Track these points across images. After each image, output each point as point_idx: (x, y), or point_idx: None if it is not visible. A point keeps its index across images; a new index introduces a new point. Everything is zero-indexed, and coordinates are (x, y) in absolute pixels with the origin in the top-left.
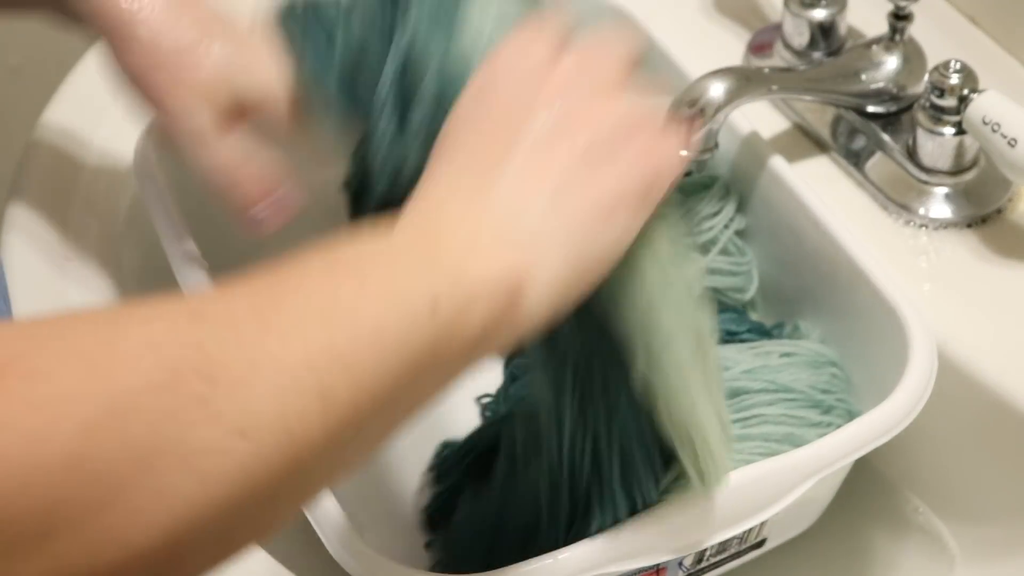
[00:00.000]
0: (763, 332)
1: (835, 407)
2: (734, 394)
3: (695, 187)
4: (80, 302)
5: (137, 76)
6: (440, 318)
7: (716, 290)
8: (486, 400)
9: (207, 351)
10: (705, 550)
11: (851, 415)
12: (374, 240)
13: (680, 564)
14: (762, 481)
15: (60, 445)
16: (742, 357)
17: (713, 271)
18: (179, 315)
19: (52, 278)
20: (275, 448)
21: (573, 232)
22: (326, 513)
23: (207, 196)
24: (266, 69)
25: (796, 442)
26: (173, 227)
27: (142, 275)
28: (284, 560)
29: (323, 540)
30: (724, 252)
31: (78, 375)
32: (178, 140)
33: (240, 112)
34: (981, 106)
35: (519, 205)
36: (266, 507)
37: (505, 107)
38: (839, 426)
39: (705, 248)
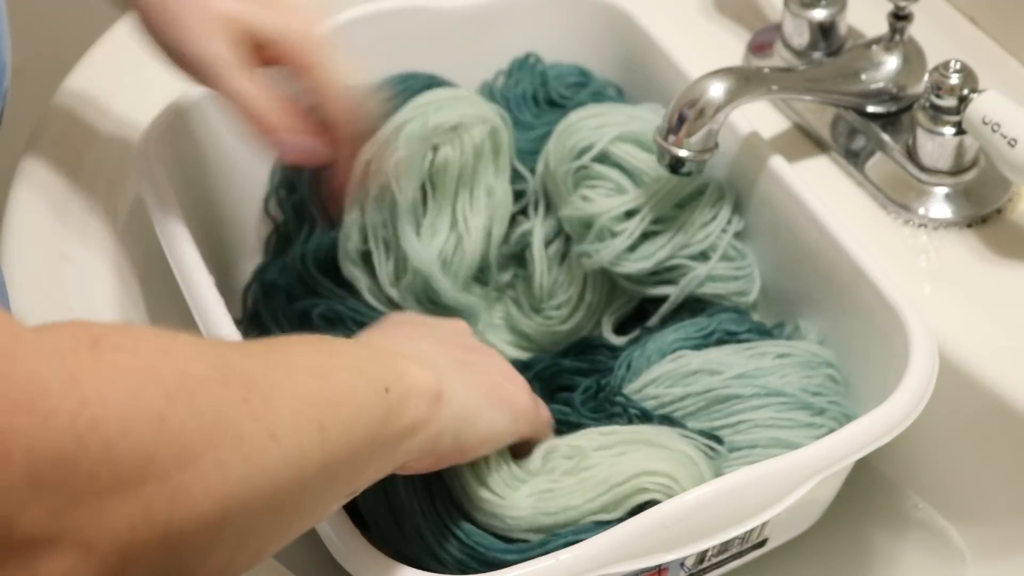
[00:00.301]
0: (763, 332)
1: (827, 409)
2: (723, 400)
3: (689, 196)
4: (80, 301)
5: (166, 32)
6: (390, 398)
7: (719, 296)
8: None
9: (240, 366)
10: (707, 550)
11: (846, 417)
12: (333, 338)
13: (682, 564)
14: (763, 482)
15: (150, 403)
16: (736, 360)
17: (715, 278)
18: (206, 339)
19: (52, 277)
20: (293, 459)
21: (471, 396)
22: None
23: (208, 195)
24: (282, 15)
25: (784, 445)
26: (173, 227)
27: (142, 275)
28: (284, 560)
29: (324, 539)
30: (725, 257)
31: (154, 354)
32: (204, 74)
33: (259, 51)
34: (981, 106)
35: (434, 359)
36: (274, 516)
37: (415, 324)
38: (831, 428)
39: (705, 256)
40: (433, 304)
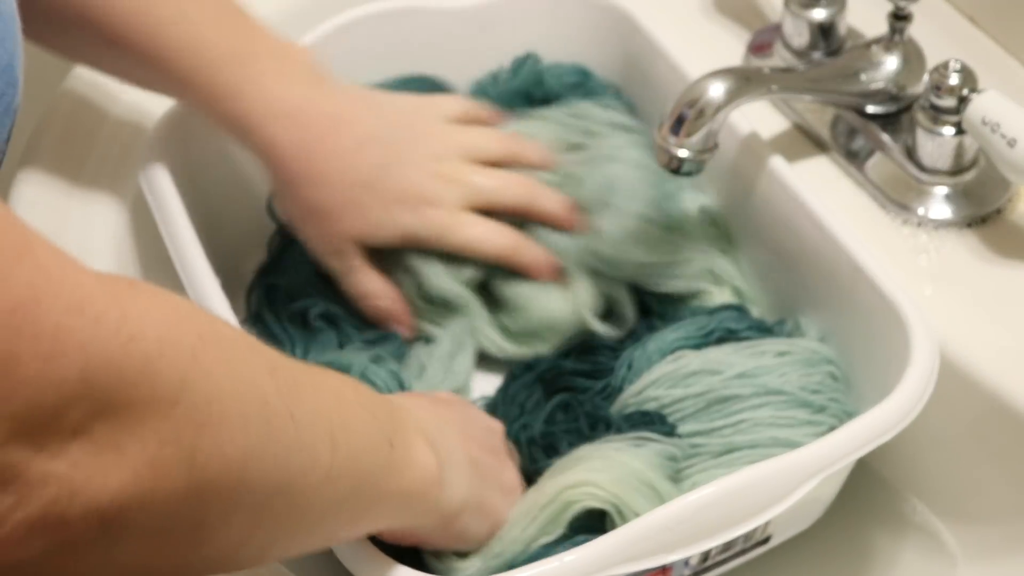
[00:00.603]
0: (763, 329)
1: (827, 407)
2: (723, 400)
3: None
4: None
5: (295, 218)
6: (393, 454)
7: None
8: (483, 403)
9: (268, 351)
10: (710, 549)
11: (847, 414)
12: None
13: (686, 563)
14: (765, 481)
15: (184, 337)
16: (736, 359)
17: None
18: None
19: None
20: (307, 447)
21: (467, 498)
22: None
23: (213, 195)
24: (387, 227)
25: (785, 444)
26: (177, 227)
27: (146, 276)
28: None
29: None
30: None
31: (188, 305)
32: (331, 271)
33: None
34: (981, 106)
35: (449, 449)
36: (287, 503)
37: (451, 408)
38: (832, 425)
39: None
40: (425, 301)
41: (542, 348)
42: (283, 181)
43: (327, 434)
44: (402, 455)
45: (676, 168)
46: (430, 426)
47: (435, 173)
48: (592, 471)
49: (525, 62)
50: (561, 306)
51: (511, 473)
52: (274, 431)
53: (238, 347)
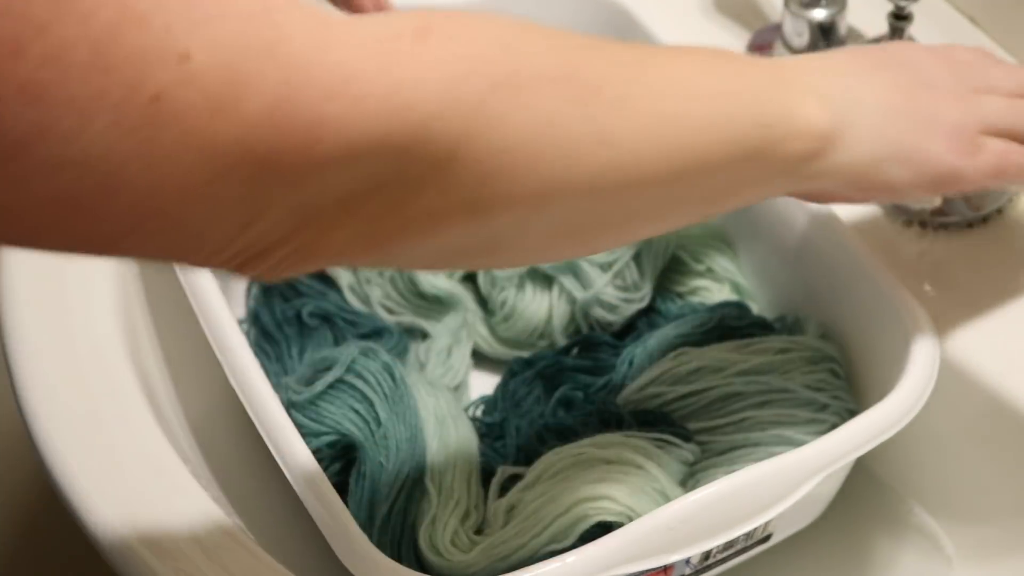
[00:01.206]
0: (764, 326)
1: (830, 404)
2: (726, 398)
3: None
4: (80, 302)
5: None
6: (770, 132)
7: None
8: (480, 407)
9: (591, 71)
10: (712, 548)
11: (849, 412)
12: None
13: (687, 562)
14: (767, 480)
15: (471, 90)
16: (738, 356)
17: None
18: (568, 38)
19: (52, 278)
20: (624, 166)
21: (875, 147)
22: (333, 514)
23: None
24: None
25: (788, 442)
26: None
27: (144, 276)
28: (285, 560)
29: (330, 542)
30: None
31: (490, 46)
32: None
33: None
34: None
35: (852, 98)
36: (601, 210)
37: (911, 59)
38: (834, 423)
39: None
40: (419, 298)
41: (535, 350)
42: None
43: (661, 147)
44: (785, 130)
45: None
46: (821, 79)
47: None
48: (609, 482)
49: None
50: (548, 315)
51: (951, 109)
52: (576, 163)
53: (541, 86)
